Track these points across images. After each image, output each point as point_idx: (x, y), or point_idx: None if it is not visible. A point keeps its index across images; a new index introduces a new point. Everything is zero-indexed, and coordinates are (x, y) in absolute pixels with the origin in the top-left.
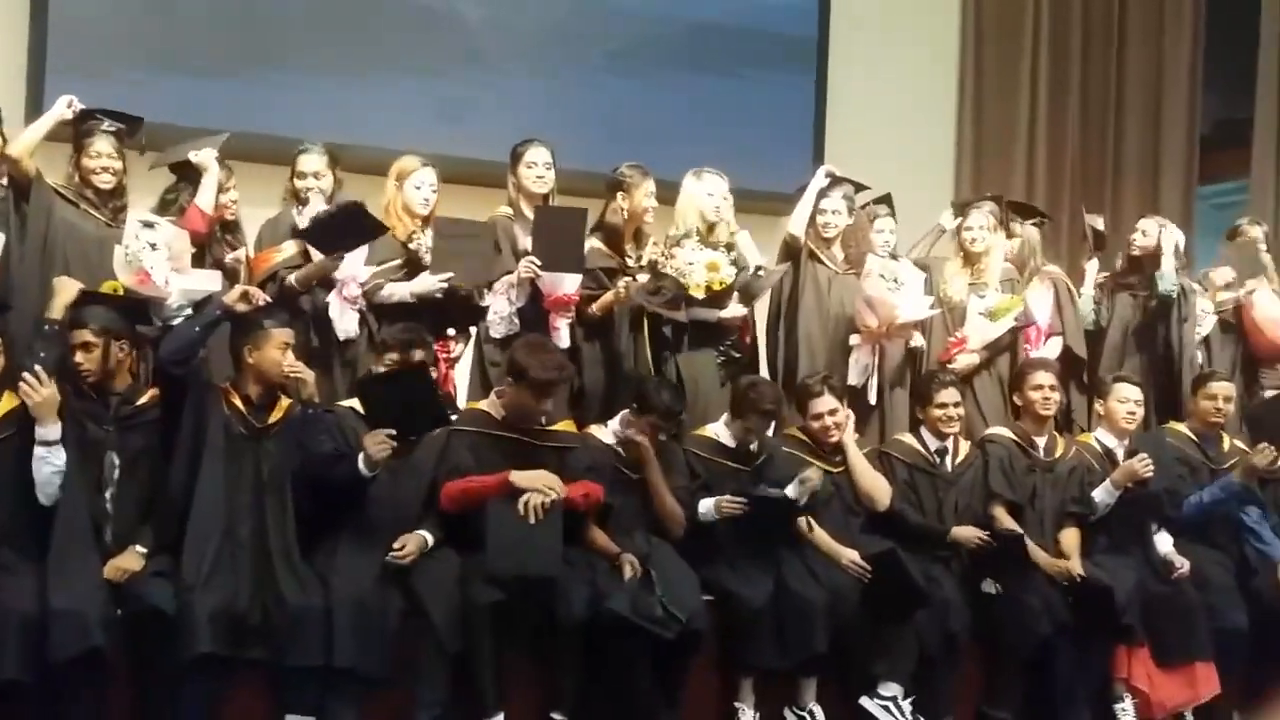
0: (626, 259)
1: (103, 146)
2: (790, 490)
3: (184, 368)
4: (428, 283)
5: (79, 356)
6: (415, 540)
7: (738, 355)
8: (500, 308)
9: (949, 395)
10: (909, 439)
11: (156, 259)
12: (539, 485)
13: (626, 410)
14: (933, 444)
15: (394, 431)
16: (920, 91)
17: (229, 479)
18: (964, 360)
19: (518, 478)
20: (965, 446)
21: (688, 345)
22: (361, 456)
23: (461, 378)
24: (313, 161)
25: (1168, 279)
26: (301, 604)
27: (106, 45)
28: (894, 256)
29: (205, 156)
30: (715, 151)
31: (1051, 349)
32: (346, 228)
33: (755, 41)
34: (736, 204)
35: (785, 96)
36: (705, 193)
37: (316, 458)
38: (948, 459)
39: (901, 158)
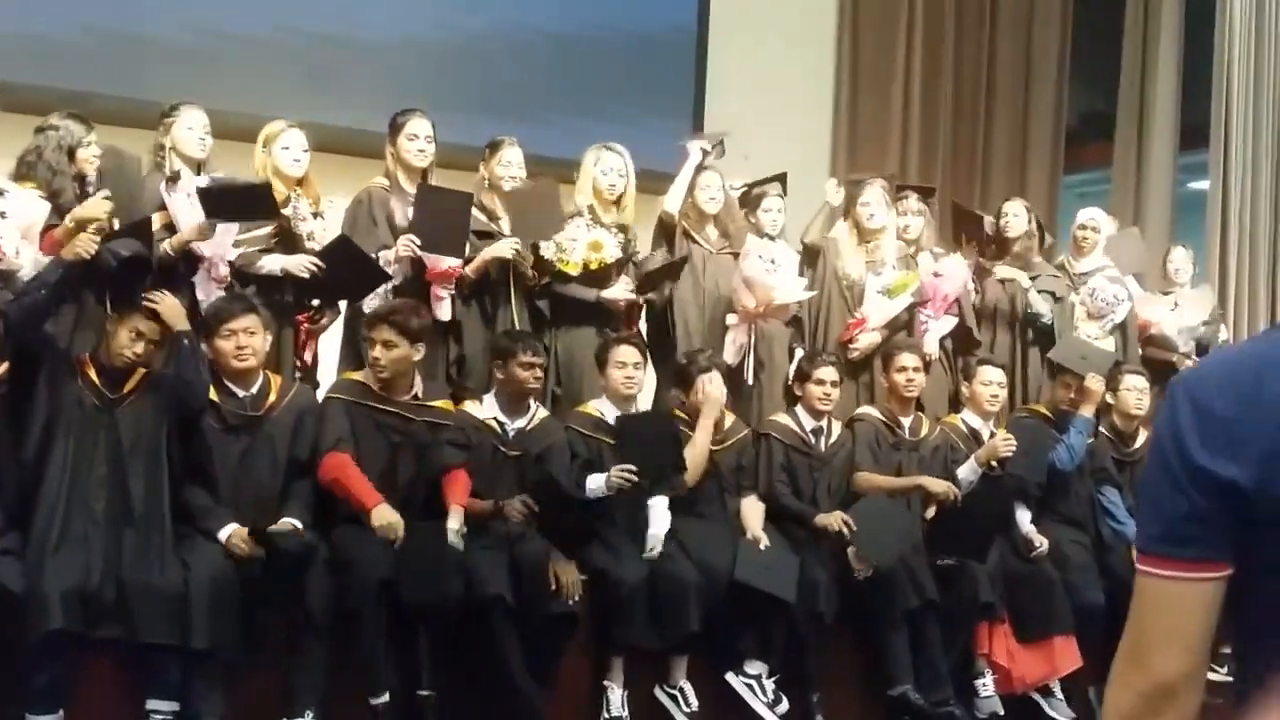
0: (497, 222)
1: None
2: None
3: (34, 333)
4: (299, 260)
5: None
6: (288, 526)
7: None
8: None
9: (828, 373)
10: (785, 419)
11: (6, 229)
12: (390, 526)
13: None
14: (809, 424)
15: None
16: (796, 78)
17: (81, 452)
18: (865, 340)
19: (377, 516)
20: (838, 427)
21: (568, 323)
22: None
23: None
24: (200, 115)
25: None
26: (157, 582)
27: None
28: (774, 238)
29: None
30: (597, 107)
31: (945, 325)
32: (246, 202)
33: (636, 25)
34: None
35: (665, 77)
36: (601, 170)
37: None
38: (822, 439)
39: (778, 143)
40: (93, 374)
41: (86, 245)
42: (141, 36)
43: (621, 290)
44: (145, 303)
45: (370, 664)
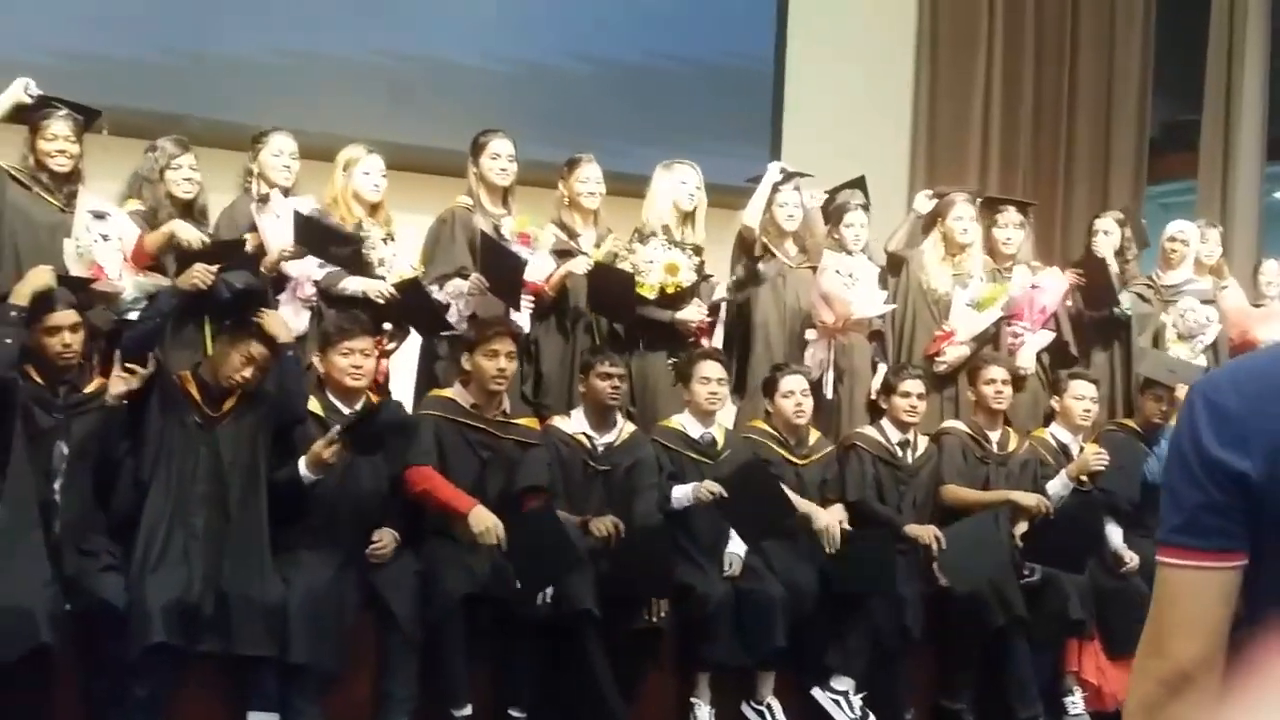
0: (577, 239)
1: (60, 129)
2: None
3: (146, 356)
4: (377, 286)
5: (63, 340)
6: (389, 535)
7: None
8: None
9: (914, 386)
10: (871, 431)
11: (108, 252)
12: (488, 530)
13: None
14: (894, 436)
15: (340, 438)
16: (875, 94)
17: (183, 469)
18: (953, 353)
19: (475, 517)
20: (923, 441)
21: (643, 345)
22: (303, 461)
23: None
24: (288, 142)
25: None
26: (256, 595)
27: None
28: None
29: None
30: (673, 136)
31: (1042, 339)
32: (335, 245)
33: (713, 38)
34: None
35: (743, 96)
36: (679, 181)
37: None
38: (909, 452)
39: (856, 159)
40: (194, 392)
41: (203, 276)
42: (231, 60)
43: (695, 312)
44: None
45: (452, 676)
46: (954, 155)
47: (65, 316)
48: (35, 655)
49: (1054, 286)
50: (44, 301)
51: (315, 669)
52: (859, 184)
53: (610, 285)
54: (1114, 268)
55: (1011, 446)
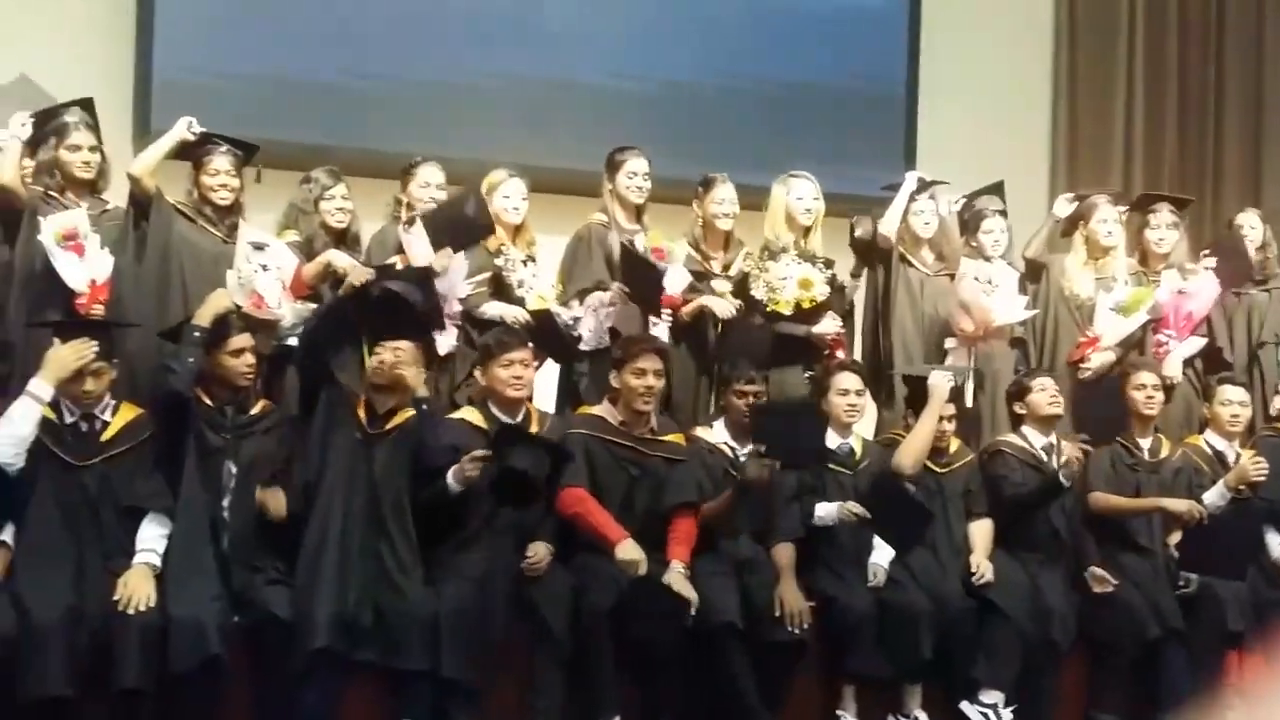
0: (710, 262)
1: (221, 164)
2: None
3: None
4: (514, 313)
5: (244, 362)
6: (544, 549)
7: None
8: (590, 324)
9: (1046, 382)
10: (1014, 438)
11: (268, 281)
12: (634, 563)
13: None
14: (1038, 441)
15: (486, 454)
16: (1013, 93)
17: (349, 483)
18: (1099, 359)
19: (623, 550)
20: (1067, 446)
21: (778, 359)
22: (451, 473)
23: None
24: (436, 173)
25: None
26: (410, 609)
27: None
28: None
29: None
30: (806, 156)
31: (1191, 347)
32: (462, 221)
33: (845, 40)
34: (832, 207)
35: (877, 99)
36: (795, 197)
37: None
38: (1054, 457)
39: (995, 160)
40: (361, 410)
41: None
42: (375, 92)
43: (830, 325)
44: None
45: (600, 687)
46: (1096, 155)
47: (245, 339)
48: (207, 666)
49: (1204, 292)
50: (222, 326)
51: (468, 682)
52: (997, 189)
53: (746, 336)
54: (1270, 268)
55: (1164, 454)
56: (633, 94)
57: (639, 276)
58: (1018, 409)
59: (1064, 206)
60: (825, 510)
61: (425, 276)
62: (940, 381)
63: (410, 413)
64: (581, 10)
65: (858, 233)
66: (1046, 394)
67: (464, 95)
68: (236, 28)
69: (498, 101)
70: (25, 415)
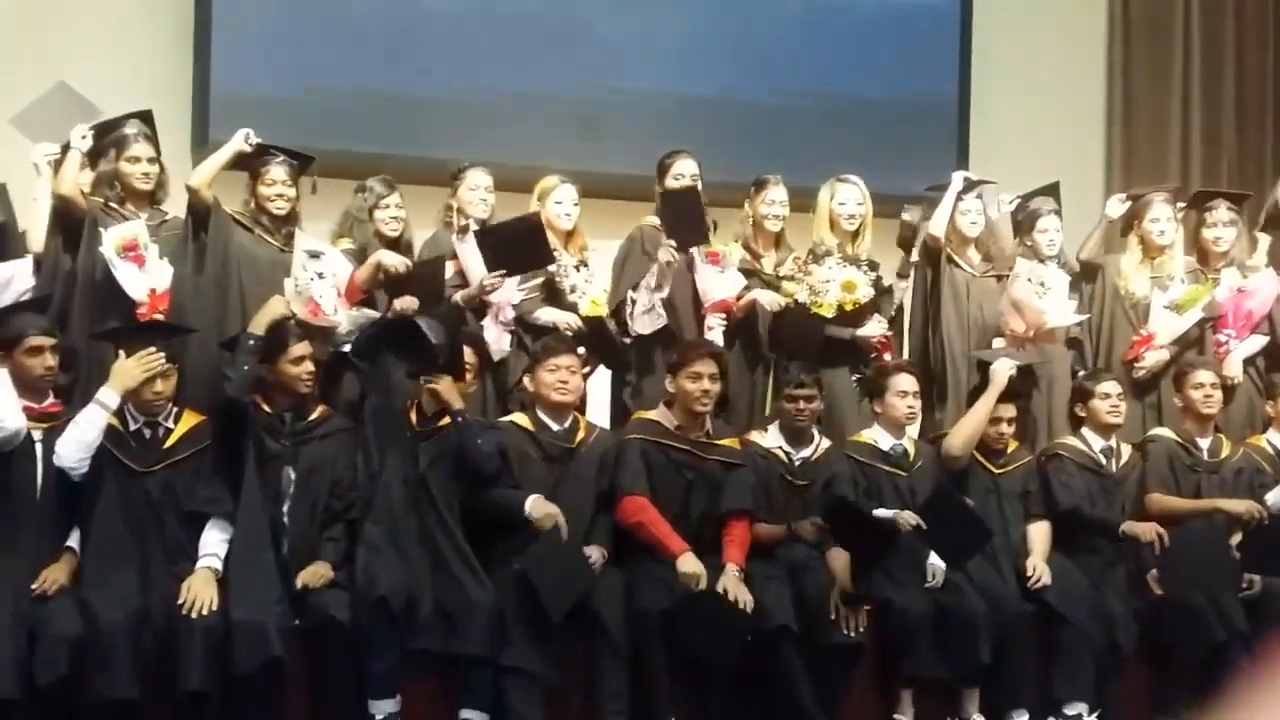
0: (760, 261)
1: (278, 174)
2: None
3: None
4: (567, 319)
5: (304, 369)
6: (598, 552)
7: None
8: (644, 302)
9: (1111, 387)
10: (1073, 440)
11: (324, 289)
12: (694, 576)
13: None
14: (1097, 444)
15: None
16: (1067, 90)
17: (403, 475)
18: (1153, 358)
19: (683, 563)
20: (1127, 449)
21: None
22: (530, 503)
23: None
24: (483, 177)
25: None
26: (470, 598)
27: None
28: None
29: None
30: (856, 157)
31: (1251, 345)
32: (521, 246)
33: (896, 47)
34: (880, 208)
35: (928, 98)
36: (838, 202)
37: (480, 472)
38: (1113, 460)
39: (1049, 161)
40: (413, 411)
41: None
42: (426, 101)
43: (876, 328)
44: (426, 383)
45: (655, 690)
46: (1153, 152)
47: (304, 347)
48: (269, 667)
49: (1265, 290)
50: (280, 334)
51: (530, 673)
52: (1052, 190)
53: (797, 327)
54: None
55: (1224, 454)
56: (684, 100)
57: (678, 210)
58: (1078, 411)
59: (1116, 207)
60: (882, 516)
61: (453, 320)
62: (1001, 368)
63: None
64: (633, 18)
65: (905, 216)
66: (1108, 402)
67: (516, 102)
68: (291, 44)
69: (549, 108)
70: (93, 422)
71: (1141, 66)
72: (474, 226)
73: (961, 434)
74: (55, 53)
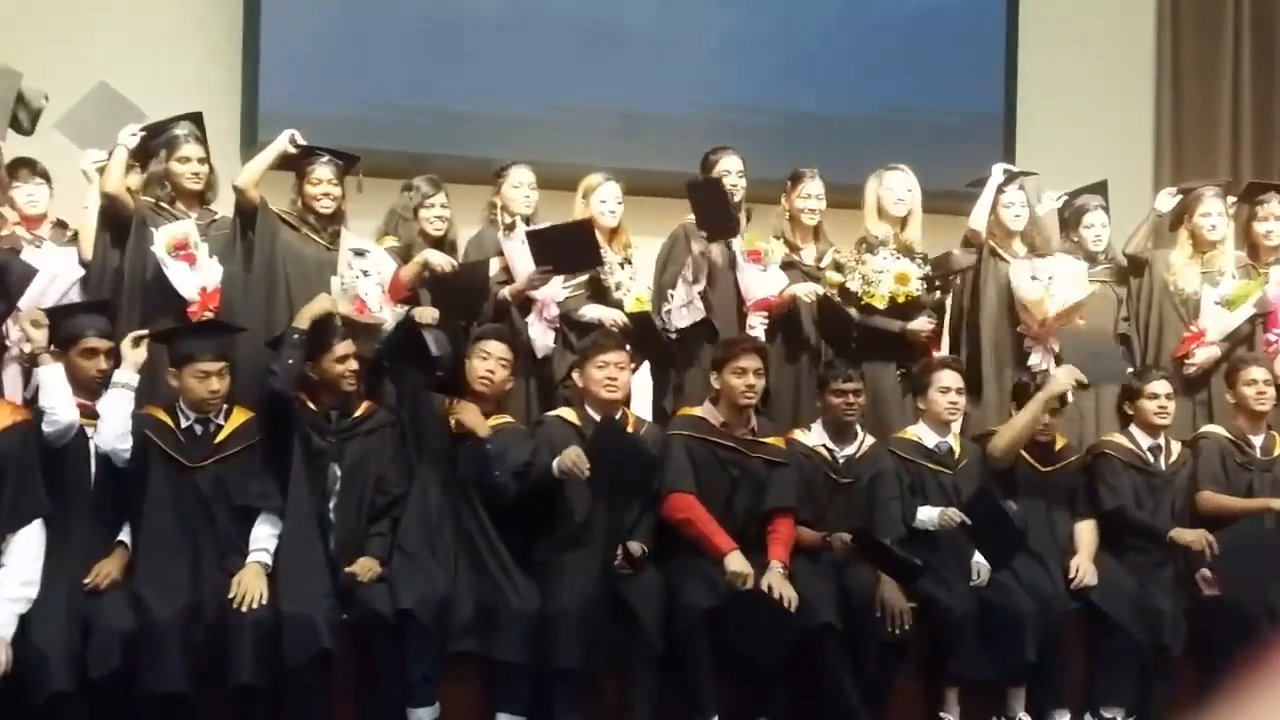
0: (799, 253)
1: (324, 173)
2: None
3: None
4: (612, 315)
5: (348, 367)
6: (638, 549)
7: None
8: (682, 295)
9: (1161, 386)
10: (1120, 438)
11: (369, 286)
12: (742, 575)
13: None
14: (1145, 442)
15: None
16: (1114, 80)
17: (438, 481)
18: (1203, 354)
19: (731, 561)
20: (1176, 446)
21: (872, 356)
22: (557, 463)
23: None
24: (526, 174)
25: None
26: (511, 603)
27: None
28: (1096, 255)
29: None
30: (902, 152)
31: None
32: (570, 243)
33: (941, 32)
34: (927, 203)
35: (974, 89)
36: (886, 188)
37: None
38: (1161, 458)
39: (1096, 150)
40: (451, 420)
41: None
42: (471, 102)
43: (925, 322)
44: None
45: (698, 688)
46: (1203, 145)
47: (348, 346)
48: (318, 660)
49: None
50: (325, 332)
51: (575, 675)
52: (1100, 189)
53: (833, 319)
54: None
55: (1276, 451)
56: (726, 103)
57: (704, 201)
58: (1127, 409)
59: (1166, 201)
60: (927, 515)
61: (458, 337)
62: (1063, 377)
63: (501, 418)
64: (675, 20)
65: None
66: (1156, 403)
67: (559, 101)
68: (338, 50)
69: (593, 108)
70: (117, 401)
71: (1190, 63)
72: (522, 225)
73: (1006, 438)
74: (103, 60)
